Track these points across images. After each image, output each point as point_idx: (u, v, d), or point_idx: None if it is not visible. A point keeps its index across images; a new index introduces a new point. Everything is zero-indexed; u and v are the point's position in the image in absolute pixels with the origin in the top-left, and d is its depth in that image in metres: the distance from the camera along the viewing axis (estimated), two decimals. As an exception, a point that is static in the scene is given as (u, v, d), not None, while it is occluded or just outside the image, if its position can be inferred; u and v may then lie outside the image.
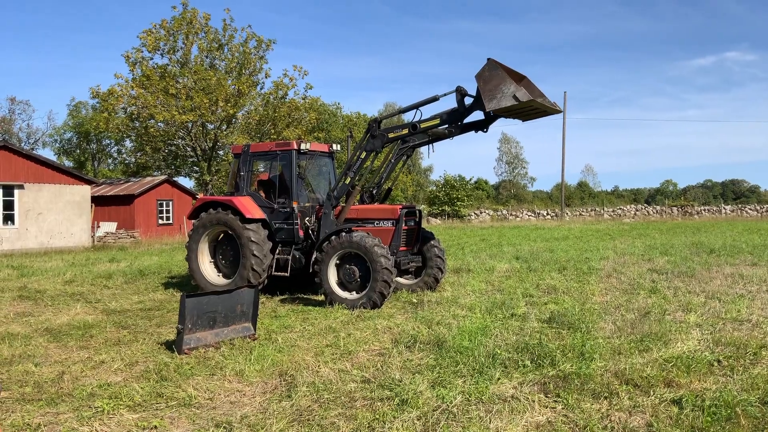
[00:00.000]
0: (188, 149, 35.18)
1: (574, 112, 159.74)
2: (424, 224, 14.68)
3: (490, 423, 4.77)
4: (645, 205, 60.65)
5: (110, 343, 7.77)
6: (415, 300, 10.48)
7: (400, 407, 5.08)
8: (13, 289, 12.90)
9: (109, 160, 63.15)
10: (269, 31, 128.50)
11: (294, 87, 36.05)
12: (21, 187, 24.41)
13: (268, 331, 8.14)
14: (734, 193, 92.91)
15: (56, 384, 5.98)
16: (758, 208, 49.78)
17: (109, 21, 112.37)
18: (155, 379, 6.07)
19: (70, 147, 61.50)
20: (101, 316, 9.66)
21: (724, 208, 50.91)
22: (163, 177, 34.32)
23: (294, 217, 11.14)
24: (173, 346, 7.22)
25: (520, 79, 9.62)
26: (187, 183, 45.76)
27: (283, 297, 11.39)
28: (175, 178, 36.00)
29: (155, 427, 4.86)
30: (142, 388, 5.77)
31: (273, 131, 34.75)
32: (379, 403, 5.22)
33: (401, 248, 10.72)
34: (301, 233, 11.22)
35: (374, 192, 11.47)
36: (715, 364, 6.15)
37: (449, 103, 10.72)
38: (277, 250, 11.27)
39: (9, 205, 24.25)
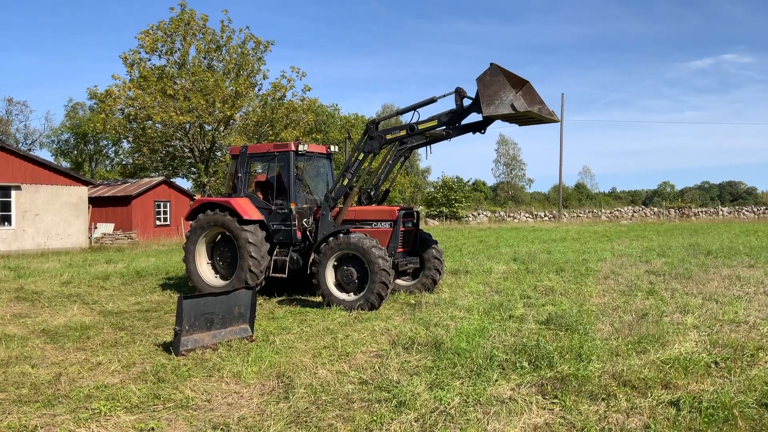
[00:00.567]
0: (186, 150, 35.16)
1: (572, 113, 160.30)
2: (421, 226, 14.69)
3: (487, 424, 4.77)
4: (642, 206, 60.81)
5: (107, 344, 7.75)
6: (412, 301, 10.48)
7: (397, 409, 5.08)
8: (9, 290, 12.86)
9: (107, 161, 63.06)
10: (267, 31, 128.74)
11: (292, 88, 36.09)
12: (18, 188, 24.35)
13: (265, 333, 8.13)
14: (731, 194, 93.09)
15: (53, 385, 5.96)
16: (755, 209, 49.91)
17: (107, 22, 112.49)
18: (152, 380, 6.06)
19: (67, 148, 61.43)
20: (98, 318, 9.64)
21: (722, 210, 51.03)
22: (160, 178, 34.25)
23: (292, 219, 11.13)
24: (170, 347, 7.20)
25: (522, 83, 9.65)
26: (185, 184, 45.62)
27: (280, 298, 11.37)
28: (173, 180, 35.94)
29: (152, 428, 4.85)
30: (139, 389, 5.75)
31: (271, 132, 34.75)
32: (376, 405, 5.21)
33: (399, 249, 10.72)
34: (298, 234, 11.21)
35: (372, 193, 11.47)
36: (713, 365, 6.16)
37: (447, 105, 10.74)
38: (275, 252, 11.25)
39: (6, 206, 24.18)
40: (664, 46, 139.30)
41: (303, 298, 11.35)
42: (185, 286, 12.57)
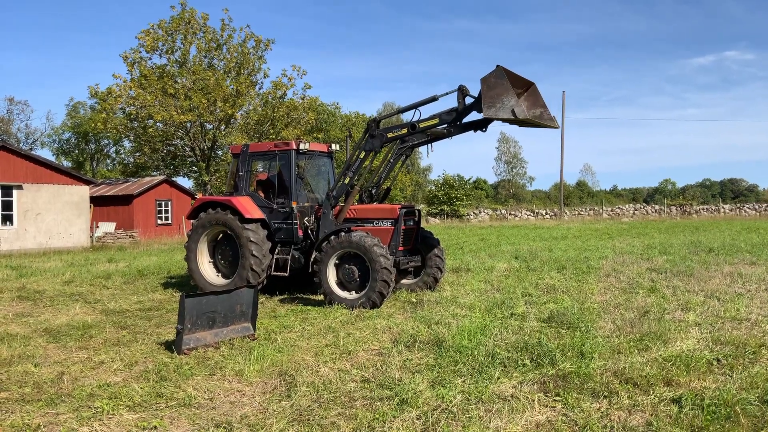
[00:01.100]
0: (187, 149, 35.17)
1: (573, 111, 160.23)
2: (422, 224, 14.68)
3: (489, 422, 4.77)
4: (644, 204, 60.76)
5: (109, 343, 7.76)
6: (414, 300, 10.49)
7: (399, 407, 5.09)
8: (12, 289, 12.88)
9: (108, 161, 63.10)
10: (268, 30, 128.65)
11: (293, 87, 36.14)
12: (19, 187, 24.38)
13: (267, 331, 8.14)
14: (733, 192, 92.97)
15: (56, 384, 5.97)
16: (757, 206, 49.85)
17: (107, 21, 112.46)
18: (155, 379, 6.07)
19: (68, 147, 61.41)
20: (100, 317, 9.65)
21: (723, 207, 50.98)
22: (161, 177, 34.27)
23: (293, 217, 11.13)
24: (173, 346, 7.21)
25: (527, 86, 9.66)
26: (186, 183, 45.73)
27: (282, 297, 11.38)
28: (174, 178, 35.96)
29: (155, 427, 4.86)
30: (141, 388, 5.77)
31: (272, 131, 34.75)
32: (378, 403, 5.22)
33: (400, 248, 10.72)
34: (300, 233, 11.22)
35: (373, 192, 11.47)
36: (715, 363, 6.16)
37: (448, 103, 10.73)
38: (277, 250, 11.26)
39: (7, 206, 24.21)
40: (666, 43, 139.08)
41: (305, 296, 11.36)
42: (187, 284, 12.58)
